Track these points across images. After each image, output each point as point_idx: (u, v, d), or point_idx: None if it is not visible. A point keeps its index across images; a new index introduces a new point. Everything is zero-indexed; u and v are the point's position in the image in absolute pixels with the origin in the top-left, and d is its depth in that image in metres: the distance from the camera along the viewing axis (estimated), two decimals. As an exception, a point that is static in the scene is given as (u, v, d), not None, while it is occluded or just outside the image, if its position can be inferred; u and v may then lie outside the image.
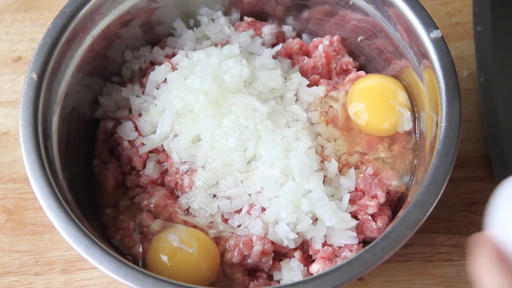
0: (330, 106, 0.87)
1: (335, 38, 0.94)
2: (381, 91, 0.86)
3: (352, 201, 0.80)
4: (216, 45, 0.93)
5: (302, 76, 0.89)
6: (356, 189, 0.81)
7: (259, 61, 0.87)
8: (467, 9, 1.06)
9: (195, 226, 0.80)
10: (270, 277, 0.79)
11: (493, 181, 0.92)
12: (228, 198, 0.81)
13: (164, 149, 0.87)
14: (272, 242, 0.78)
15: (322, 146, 0.84)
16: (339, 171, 0.82)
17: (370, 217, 0.79)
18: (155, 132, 0.86)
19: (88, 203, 0.83)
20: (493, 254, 0.59)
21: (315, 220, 0.78)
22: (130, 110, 0.90)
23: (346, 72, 0.94)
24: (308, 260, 0.80)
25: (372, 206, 0.79)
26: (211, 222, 0.81)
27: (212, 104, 0.82)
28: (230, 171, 0.80)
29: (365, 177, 0.81)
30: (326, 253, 0.77)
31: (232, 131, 0.80)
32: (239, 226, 0.80)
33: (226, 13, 0.97)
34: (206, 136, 0.81)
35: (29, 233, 0.91)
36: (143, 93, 0.91)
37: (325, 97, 0.88)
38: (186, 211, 0.82)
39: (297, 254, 0.79)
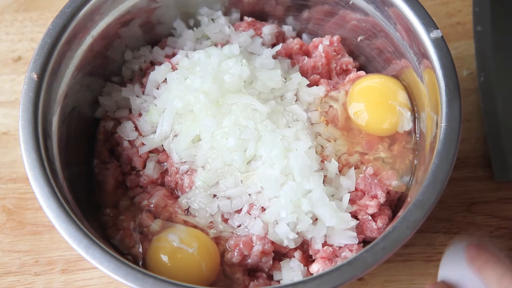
0: (330, 106, 0.87)
1: (335, 38, 0.94)
2: (381, 91, 0.86)
3: (352, 201, 0.80)
4: (216, 45, 0.93)
5: (302, 76, 0.89)
6: (356, 189, 0.81)
7: (259, 61, 0.87)
8: (467, 9, 1.06)
9: (195, 226, 0.80)
10: (270, 277, 0.79)
11: (493, 181, 0.92)
12: (228, 198, 0.81)
13: (164, 149, 0.87)
14: (272, 242, 0.78)
15: (322, 146, 0.84)
16: (339, 171, 0.82)
17: (370, 217, 0.79)
18: (155, 132, 0.86)
19: (88, 203, 0.83)
20: None
21: (315, 220, 0.78)
22: (130, 110, 0.90)
23: (346, 72, 0.94)
24: (308, 260, 0.80)
25: (372, 206, 0.79)
26: (211, 222, 0.81)
27: (212, 104, 0.82)
28: (230, 171, 0.80)
29: (365, 177, 0.81)
30: (326, 253, 0.77)
31: (232, 131, 0.80)
32: (239, 226, 0.80)
33: (226, 13, 0.97)
34: (206, 136, 0.81)
35: (29, 233, 0.91)
36: (143, 93, 0.91)
37: (325, 97, 0.88)
38: (186, 211, 0.82)
39: (297, 254, 0.79)
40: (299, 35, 1.00)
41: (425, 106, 0.80)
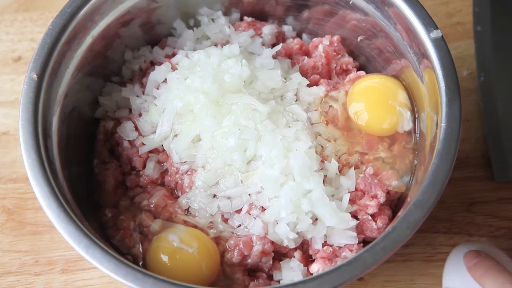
0: (330, 106, 0.87)
1: (335, 38, 0.94)
2: (381, 91, 0.86)
3: (352, 201, 0.80)
4: (216, 45, 0.93)
5: (302, 76, 0.89)
6: (356, 189, 0.81)
7: (259, 61, 0.87)
8: (467, 9, 1.06)
9: (195, 226, 0.80)
10: (270, 277, 0.79)
11: (493, 181, 0.92)
12: (228, 198, 0.81)
13: (164, 149, 0.87)
14: (272, 242, 0.78)
15: (322, 146, 0.84)
16: (339, 171, 0.82)
17: (370, 217, 0.79)
18: (155, 132, 0.86)
19: (88, 203, 0.83)
20: None
21: (315, 220, 0.78)
22: (130, 110, 0.90)
23: (346, 72, 0.94)
24: (308, 260, 0.80)
25: (372, 206, 0.79)
26: (211, 222, 0.81)
27: (212, 104, 0.82)
28: (230, 171, 0.80)
29: (365, 177, 0.81)
30: (326, 253, 0.77)
31: (232, 131, 0.80)
32: (239, 226, 0.80)
33: (226, 13, 0.97)
34: (206, 136, 0.81)
35: (29, 233, 0.91)
36: (143, 93, 0.91)
37: (325, 97, 0.88)
38: (186, 211, 0.82)
39: (297, 254, 0.79)
40: (299, 35, 1.00)
41: (425, 106, 0.80)
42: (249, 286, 0.77)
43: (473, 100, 0.99)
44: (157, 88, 0.89)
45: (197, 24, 0.97)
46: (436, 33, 0.77)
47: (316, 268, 0.77)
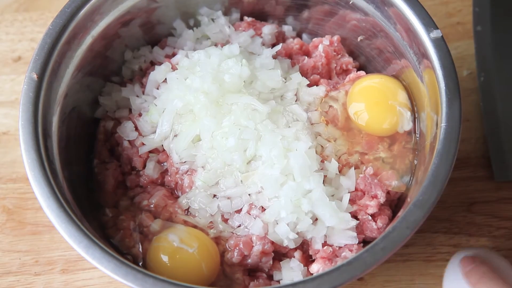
0: (330, 106, 0.87)
1: (335, 38, 0.94)
2: (381, 91, 0.86)
3: (352, 201, 0.80)
4: (216, 45, 0.93)
5: (302, 76, 0.89)
6: (356, 189, 0.81)
7: (259, 61, 0.87)
8: (467, 9, 1.06)
9: (195, 226, 0.80)
10: (270, 277, 0.79)
11: (493, 181, 0.92)
12: (228, 198, 0.81)
13: (164, 149, 0.87)
14: (272, 242, 0.78)
15: (322, 146, 0.84)
16: (339, 171, 0.82)
17: (370, 217, 0.79)
18: (155, 132, 0.86)
19: (88, 203, 0.83)
20: None
21: (315, 220, 0.78)
22: (130, 110, 0.90)
23: (346, 72, 0.94)
24: (308, 260, 0.80)
25: (372, 206, 0.79)
26: (211, 222, 0.81)
27: (212, 104, 0.82)
28: (230, 171, 0.80)
29: (365, 177, 0.81)
30: (326, 253, 0.77)
31: (232, 131, 0.80)
32: (239, 226, 0.80)
33: (226, 13, 0.97)
34: (206, 136, 0.81)
35: (29, 233, 0.91)
36: (143, 93, 0.91)
37: (325, 97, 0.88)
38: (186, 211, 0.82)
39: (297, 254, 0.79)
40: (299, 35, 1.00)
41: (425, 106, 0.80)
42: (249, 286, 0.77)
43: (473, 100, 0.99)
44: (157, 88, 0.89)
45: (197, 24, 0.97)
46: (436, 33, 0.77)
47: (316, 268, 0.77)
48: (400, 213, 0.73)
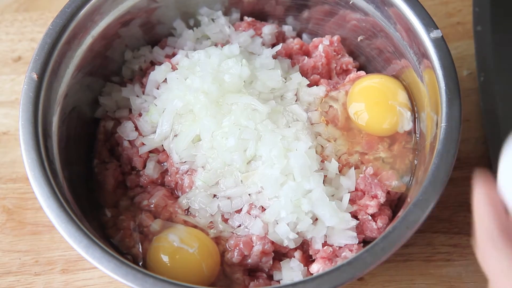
0: (330, 106, 0.87)
1: (335, 38, 0.94)
2: (381, 91, 0.86)
3: (352, 201, 0.80)
4: (216, 45, 0.93)
5: (302, 76, 0.89)
6: (356, 189, 0.81)
7: (259, 61, 0.87)
8: (467, 9, 1.06)
9: (195, 226, 0.80)
10: (270, 277, 0.79)
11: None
12: (228, 198, 0.81)
13: (164, 149, 0.87)
14: (272, 242, 0.78)
15: (322, 146, 0.84)
16: (339, 171, 0.82)
17: (370, 217, 0.79)
18: (155, 132, 0.86)
19: (88, 203, 0.83)
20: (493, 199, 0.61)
21: (315, 220, 0.78)
22: (130, 110, 0.90)
23: (346, 72, 0.94)
24: (308, 260, 0.80)
25: (372, 206, 0.79)
26: (211, 222, 0.81)
27: (212, 104, 0.82)
28: (230, 171, 0.80)
29: (365, 177, 0.81)
30: (326, 253, 0.77)
31: (232, 131, 0.80)
32: (239, 226, 0.80)
33: (226, 13, 0.97)
34: (206, 136, 0.81)
35: (29, 233, 0.91)
36: (143, 93, 0.91)
37: (325, 97, 0.88)
38: (186, 211, 0.82)
39: (297, 254, 0.79)
40: (299, 35, 1.00)
41: (425, 106, 0.80)
42: (249, 286, 0.77)
43: (473, 100, 0.99)
44: (157, 88, 0.89)
45: (197, 24, 0.97)
46: (436, 33, 0.77)
47: (316, 268, 0.77)
48: (400, 213, 0.73)
